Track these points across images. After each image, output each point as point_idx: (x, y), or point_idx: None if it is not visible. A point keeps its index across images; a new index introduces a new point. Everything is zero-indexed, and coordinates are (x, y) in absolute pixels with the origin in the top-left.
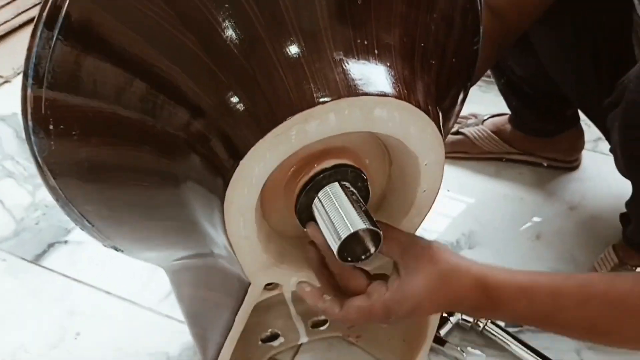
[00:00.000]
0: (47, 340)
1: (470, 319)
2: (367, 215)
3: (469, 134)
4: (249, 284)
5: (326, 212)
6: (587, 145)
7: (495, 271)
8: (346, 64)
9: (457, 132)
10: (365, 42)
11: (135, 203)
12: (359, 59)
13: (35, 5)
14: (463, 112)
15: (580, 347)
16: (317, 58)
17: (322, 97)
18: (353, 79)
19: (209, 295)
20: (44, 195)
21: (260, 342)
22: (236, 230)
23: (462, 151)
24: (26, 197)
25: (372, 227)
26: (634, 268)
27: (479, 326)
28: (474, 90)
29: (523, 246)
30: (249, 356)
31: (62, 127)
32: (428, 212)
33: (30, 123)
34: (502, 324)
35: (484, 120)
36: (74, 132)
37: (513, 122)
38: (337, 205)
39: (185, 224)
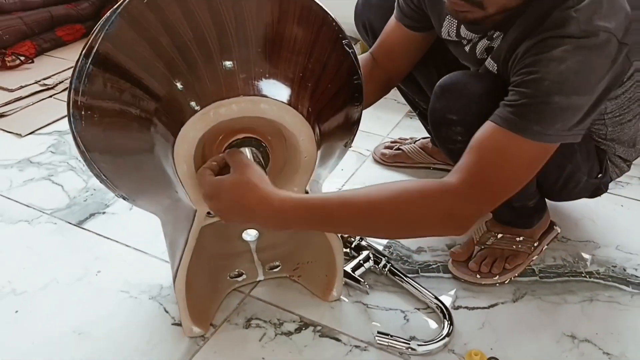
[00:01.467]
0: (74, 275)
1: (379, 265)
2: (260, 165)
3: (404, 149)
4: (196, 210)
5: None
6: None
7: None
8: (247, 80)
9: (397, 149)
10: (261, 70)
11: (131, 162)
12: (255, 79)
13: None
14: (405, 136)
15: (456, 287)
16: (229, 76)
17: (228, 95)
18: (250, 87)
19: (179, 225)
20: (95, 181)
21: (229, 278)
22: (182, 172)
23: (400, 162)
24: (81, 183)
25: None
26: (497, 234)
27: (385, 270)
28: (416, 122)
29: None
30: (219, 287)
31: (89, 112)
32: (312, 171)
33: (71, 111)
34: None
35: (416, 141)
36: (95, 116)
37: (432, 141)
38: None
39: (159, 172)
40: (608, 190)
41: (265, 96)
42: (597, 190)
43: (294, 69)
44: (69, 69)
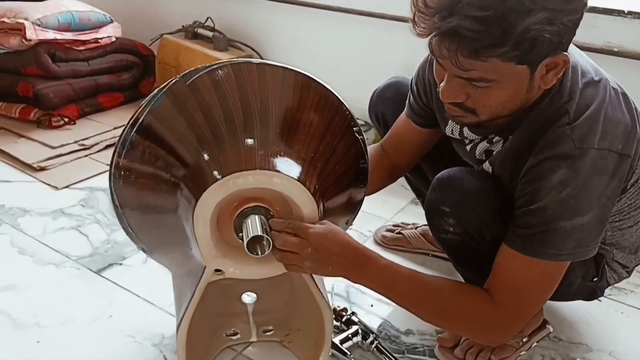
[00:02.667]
0: (90, 316)
1: (367, 341)
2: (266, 231)
3: (405, 234)
4: (205, 267)
5: (247, 226)
6: None
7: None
8: (264, 157)
9: (398, 233)
10: (277, 149)
11: (156, 218)
12: (272, 156)
13: None
14: (409, 221)
15: None
16: (249, 152)
17: (247, 168)
18: (266, 163)
19: (187, 279)
20: (116, 236)
21: (225, 335)
22: (199, 231)
23: (401, 246)
24: (104, 235)
25: (265, 235)
26: None
27: (372, 346)
28: (421, 209)
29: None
30: (215, 342)
31: (127, 173)
32: None
33: (113, 170)
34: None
35: (417, 227)
36: (132, 176)
37: None
38: (250, 224)
39: (179, 230)
40: (610, 296)
41: (279, 171)
42: (592, 293)
43: (307, 150)
44: (105, 132)
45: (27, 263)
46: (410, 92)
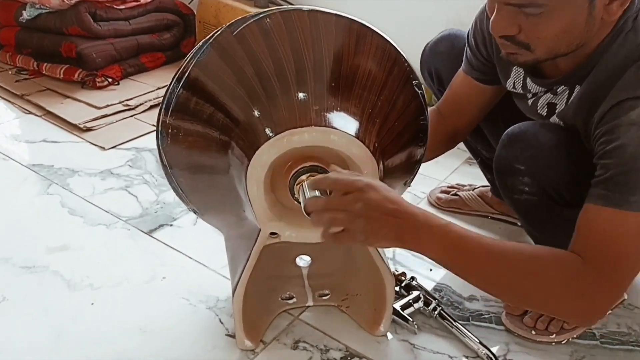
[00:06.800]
0: (143, 278)
1: (429, 307)
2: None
3: (462, 195)
4: (260, 229)
5: (303, 188)
6: None
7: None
8: (320, 112)
9: (454, 194)
10: (333, 104)
11: (207, 179)
12: (327, 111)
13: None
14: (463, 182)
15: (508, 341)
16: (303, 106)
17: (301, 125)
18: (322, 119)
19: (241, 242)
20: (165, 196)
21: (280, 299)
22: (252, 192)
23: (457, 208)
24: (153, 196)
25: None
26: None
27: (435, 313)
28: (475, 169)
29: None
30: (271, 306)
31: (175, 131)
32: None
33: (160, 129)
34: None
35: (475, 188)
36: (180, 134)
37: (492, 190)
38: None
39: (231, 192)
40: None
41: (335, 128)
42: None
43: (364, 105)
44: (149, 92)
45: (78, 223)
46: (467, 46)
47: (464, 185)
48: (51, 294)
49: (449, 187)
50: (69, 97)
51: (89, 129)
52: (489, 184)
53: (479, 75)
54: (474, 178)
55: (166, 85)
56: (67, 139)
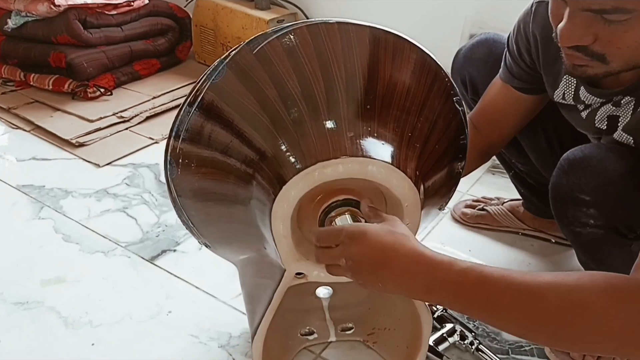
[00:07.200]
0: (147, 313)
1: (465, 341)
2: None
3: (490, 210)
4: (285, 270)
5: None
6: None
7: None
8: (354, 139)
9: (481, 209)
10: (369, 129)
11: (222, 212)
12: (363, 137)
13: (184, 95)
14: (490, 195)
15: None
16: (336, 134)
17: (335, 155)
18: (357, 147)
19: (261, 281)
20: (166, 218)
21: (299, 335)
22: (278, 231)
23: (484, 223)
24: (153, 218)
25: None
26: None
27: (472, 347)
28: (499, 179)
29: None
30: (290, 344)
31: (186, 161)
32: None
33: (169, 158)
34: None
35: (504, 202)
36: (192, 165)
37: (525, 205)
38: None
39: (251, 227)
40: None
41: (373, 158)
42: None
43: (403, 128)
44: (144, 102)
45: (74, 252)
46: (507, 51)
47: (491, 199)
48: (47, 334)
49: (474, 201)
50: (59, 109)
51: (81, 145)
52: (517, 198)
53: (520, 84)
54: (499, 189)
55: (162, 94)
56: (58, 155)
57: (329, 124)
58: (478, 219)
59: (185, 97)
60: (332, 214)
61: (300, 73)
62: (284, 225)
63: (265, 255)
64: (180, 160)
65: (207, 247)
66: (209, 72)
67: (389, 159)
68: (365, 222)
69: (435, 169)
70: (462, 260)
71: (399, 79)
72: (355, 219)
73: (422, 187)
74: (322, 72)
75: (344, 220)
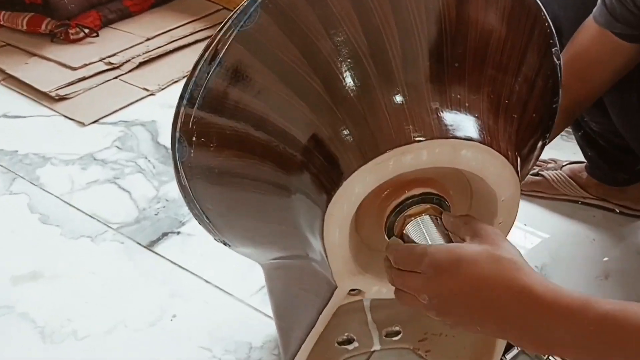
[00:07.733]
0: (146, 319)
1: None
2: (448, 237)
3: (547, 176)
4: (336, 287)
5: (417, 233)
6: None
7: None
8: (441, 112)
9: (536, 174)
10: (458, 97)
11: (250, 206)
12: (451, 109)
13: (184, 37)
14: (544, 157)
15: None
16: (416, 105)
17: (418, 136)
18: (445, 124)
19: (300, 293)
20: (167, 190)
21: (336, 344)
22: (332, 239)
23: (540, 191)
24: (151, 191)
25: None
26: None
27: (542, 357)
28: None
29: (592, 284)
30: (325, 356)
31: (202, 139)
32: None
33: (177, 133)
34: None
35: (563, 166)
36: (211, 144)
37: (589, 170)
38: (424, 231)
39: (289, 227)
40: None
41: (466, 138)
42: None
43: (499, 94)
44: (136, 45)
45: (53, 236)
46: None
47: (547, 162)
48: (19, 348)
49: None
50: (35, 54)
51: (62, 98)
52: (577, 160)
53: (624, 29)
54: (558, 150)
55: (158, 35)
56: (34, 112)
57: (407, 91)
58: (533, 186)
59: (202, 51)
60: (408, 211)
61: (365, 17)
62: (341, 232)
63: (306, 262)
64: (195, 138)
65: (225, 245)
66: (235, 15)
67: (484, 139)
68: (449, 233)
69: (531, 147)
70: (596, 298)
71: (494, 25)
72: (436, 224)
73: (520, 173)
74: (395, 15)
75: (418, 227)
